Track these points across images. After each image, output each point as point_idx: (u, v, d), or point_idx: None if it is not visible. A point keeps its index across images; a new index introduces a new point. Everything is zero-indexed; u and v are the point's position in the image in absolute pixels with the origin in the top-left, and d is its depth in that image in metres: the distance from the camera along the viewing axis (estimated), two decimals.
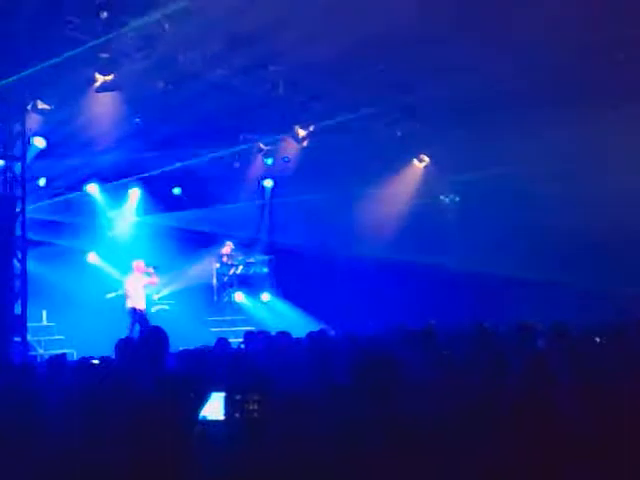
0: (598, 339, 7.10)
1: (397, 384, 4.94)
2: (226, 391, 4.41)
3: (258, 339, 8.95)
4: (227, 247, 19.51)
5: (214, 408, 4.48)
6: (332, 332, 10.26)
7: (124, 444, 4.14)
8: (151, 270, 16.81)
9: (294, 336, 8.88)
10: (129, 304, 16.48)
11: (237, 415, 4.35)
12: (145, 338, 6.18)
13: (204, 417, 4.46)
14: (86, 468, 4.07)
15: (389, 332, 8.61)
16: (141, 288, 16.65)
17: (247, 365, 6.10)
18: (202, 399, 4.42)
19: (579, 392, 5.05)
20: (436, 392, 5.16)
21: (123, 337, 6.94)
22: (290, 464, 3.97)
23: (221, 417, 4.41)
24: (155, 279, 16.92)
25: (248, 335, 9.46)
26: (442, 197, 20.40)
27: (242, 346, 9.49)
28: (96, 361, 6.77)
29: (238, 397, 4.37)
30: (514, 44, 12.59)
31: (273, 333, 9.30)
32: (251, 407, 4.34)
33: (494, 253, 17.01)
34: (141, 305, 16.56)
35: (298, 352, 7.84)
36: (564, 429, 4.30)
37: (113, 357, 6.83)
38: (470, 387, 5.26)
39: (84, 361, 6.58)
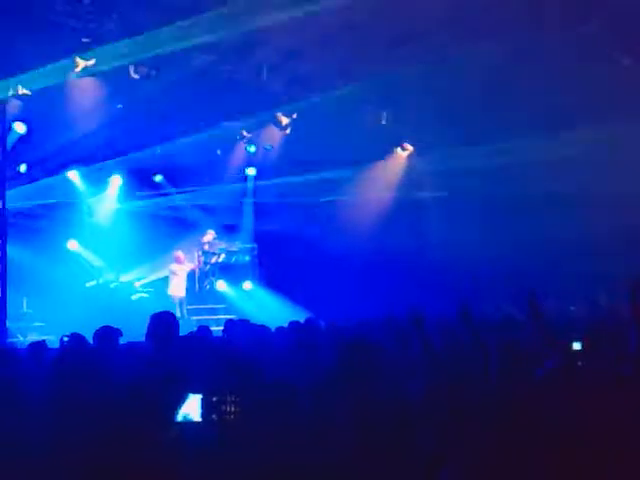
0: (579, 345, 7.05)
1: (382, 373, 4.92)
2: (203, 393, 4.38)
3: (239, 328, 8.92)
4: (209, 235, 19.44)
5: (191, 409, 4.44)
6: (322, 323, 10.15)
7: (97, 438, 4.11)
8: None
9: (277, 324, 8.86)
10: (171, 292, 17.56)
11: (214, 417, 4.33)
12: (155, 324, 6.13)
13: (182, 417, 4.42)
14: (58, 459, 4.05)
15: (375, 321, 8.57)
16: (184, 276, 17.72)
17: (228, 354, 6.06)
18: (179, 399, 4.38)
19: (559, 385, 5.06)
20: (421, 381, 5.16)
21: (104, 325, 6.89)
22: (270, 464, 3.95)
23: (198, 418, 4.39)
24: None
25: (229, 323, 9.44)
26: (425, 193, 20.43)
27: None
28: (66, 338, 6.74)
29: (215, 399, 4.34)
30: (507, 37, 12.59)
31: (254, 322, 9.28)
32: (228, 409, 4.32)
33: (478, 243, 17.07)
34: (182, 292, 17.61)
35: (279, 341, 7.82)
36: (547, 422, 4.31)
37: (81, 335, 6.85)
38: (454, 375, 5.26)
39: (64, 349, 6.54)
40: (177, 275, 17.68)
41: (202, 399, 4.35)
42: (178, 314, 16.02)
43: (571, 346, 6.72)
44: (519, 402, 4.45)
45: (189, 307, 18.24)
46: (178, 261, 17.74)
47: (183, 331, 7.51)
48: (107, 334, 6.69)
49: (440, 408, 4.58)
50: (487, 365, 5.39)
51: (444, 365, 5.65)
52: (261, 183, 20.22)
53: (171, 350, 6.03)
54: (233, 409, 4.28)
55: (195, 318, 17.00)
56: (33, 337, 13.43)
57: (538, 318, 5.99)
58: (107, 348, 6.44)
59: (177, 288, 17.63)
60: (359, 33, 12.86)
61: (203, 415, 4.33)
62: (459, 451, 4.20)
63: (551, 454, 4.11)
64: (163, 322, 6.18)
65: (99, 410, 4.33)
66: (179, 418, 4.32)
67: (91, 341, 6.79)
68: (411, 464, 4.13)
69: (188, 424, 4.35)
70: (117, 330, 6.86)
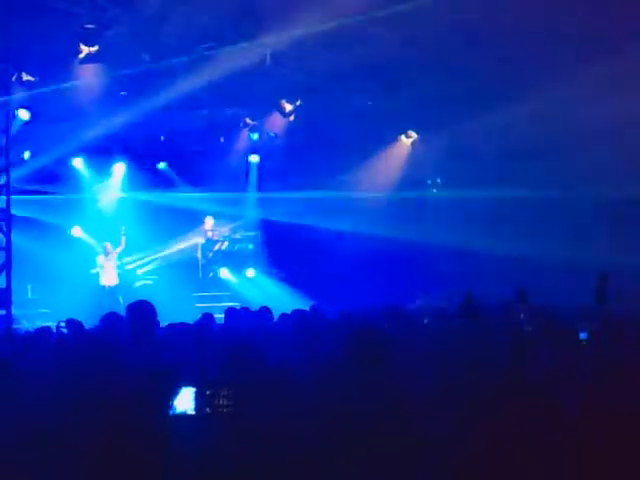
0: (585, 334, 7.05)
1: (390, 361, 4.91)
2: (196, 386, 4.37)
3: (240, 315, 8.89)
4: (208, 222, 19.51)
5: (185, 402, 4.44)
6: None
7: (98, 427, 4.12)
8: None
9: (280, 312, 8.84)
10: (103, 282, 17.74)
11: (208, 410, 4.33)
12: (132, 312, 6.13)
13: (174, 411, 4.41)
14: (55, 447, 4.05)
15: (381, 309, 8.54)
16: (112, 265, 17.94)
17: (228, 343, 6.05)
18: (173, 392, 4.38)
19: (563, 373, 5.07)
20: (426, 370, 5.15)
21: (109, 312, 6.90)
22: (267, 457, 3.95)
23: (192, 411, 4.38)
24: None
25: (230, 311, 9.40)
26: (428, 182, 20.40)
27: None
28: (62, 324, 6.76)
29: (208, 392, 4.34)
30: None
31: (255, 309, 9.27)
32: (222, 402, 4.31)
33: (481, 229, 17.05)
34: (114, 281, 17.85)
35: (282, 328, 7.81)
36: (550, 408, 4.32)
37: (78, 320, 6.88)
38: (458, 364, 5.27)
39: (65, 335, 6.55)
40: (104, 267, 17.80)
41: (196, 392, 4.35)
42: (108, 303, 16.07)
43: (577, 335, 6.74)
44: (529, 390, 4.46)
45: (194, 294, 18.29)
46: (106, 253, 17.88)
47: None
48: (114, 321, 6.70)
49: (449, 397, 4.58)
50: (495, 353, 5.40)
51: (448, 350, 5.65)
52: (264, 170, 20.19)
53: (154, 339, 6.03)
54: (226, 402, 4.27)
55: (199, 305, 17.02)
56: (38, 324, 13.48)
57: (528, 310, 6.01)
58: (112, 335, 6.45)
59: (107, 278, 17.77)
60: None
61: (197, 408, 4.32)
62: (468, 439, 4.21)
63: (562, 445, 4.12)
64: (141, 312, 6.16)
65: (96, 400, 4.33)
66: (173, 411, 4.32)
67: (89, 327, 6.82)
68: (417, 453, 4.14)
69: (182, 417, 4.34)
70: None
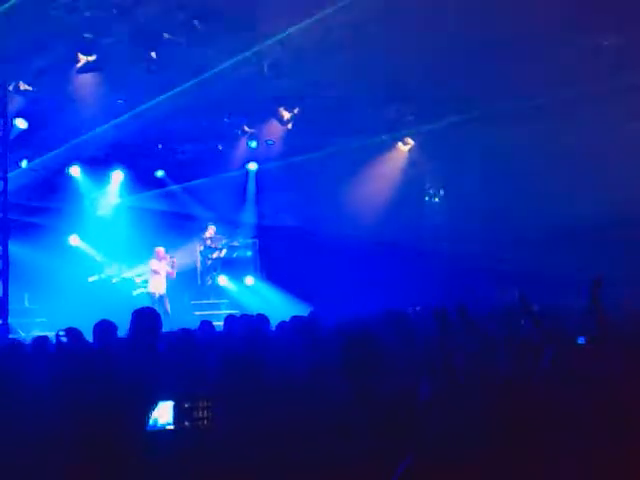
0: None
1: (386, 367, 4.89)
2: (174, 399, 4.35)
3: (240, 323, 8.86)
4: (210, 230, 19.52)
5: (164, 414, 4.41)
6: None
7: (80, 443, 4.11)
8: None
9: (278, 319, 8.80)
10: (151, 289, 16.75)
11: (187, 423, 4.31)
12: (137, 319, 6.11)
13: (154, 424, 4.39)
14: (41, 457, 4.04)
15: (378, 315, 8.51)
16: (164, 274, 16.91)
17: (227, 351, 6.02)
18: (151, 404, 4.35)
19: (563, 377, 5.05)
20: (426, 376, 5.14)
21: (101, 320, 6.89)
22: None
23: (170, 426, 4.35)
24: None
25: (229, 319, 9.37)
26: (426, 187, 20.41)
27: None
28: (62, 332, 6.74)
29: (187, 405, 4.32)
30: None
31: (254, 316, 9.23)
32: (200, 415, 4.30)
33: (479, 237, 17.03)
34: (163, 290, 16.79)
35: (280, 336, 7.78)
36: (551, 413, 4.30)
37: (77, 329, 6.86)
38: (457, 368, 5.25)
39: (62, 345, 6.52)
40: (157, 273, 16.88)
41: (174, 405, 4.32)
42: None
43: (575, 340, 6.71)
44: (529, 395, 4.45)
45: (192, 302, 18.28)
46: (158, 257, 17.01)
47: (166, 328, 7.49)
48: (106, 328, 6.69)
49: (448, 403, 4.57)
50: (495, 358, 5.38)
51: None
52: (262, 178, 20.20)
53: (157, 345, 6.01)
54: (206, 414, 4.26)
55: (198, 313, 17.01)
56: (35, 333, 13.45)
57: (530, 315, 5.99)
58: (106, 342, 6.44)
59: (157, 285, 16.83)
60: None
61: (175, 422, 4.29)
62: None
63: (559, 451, 4.10)
64: (146, 318, 6.14)
65: (81, 412, 4.31)
66: (154, 425, 4.29)
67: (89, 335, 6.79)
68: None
69: (160, 432, 4.31)
70: (113, 324, 6.87)
